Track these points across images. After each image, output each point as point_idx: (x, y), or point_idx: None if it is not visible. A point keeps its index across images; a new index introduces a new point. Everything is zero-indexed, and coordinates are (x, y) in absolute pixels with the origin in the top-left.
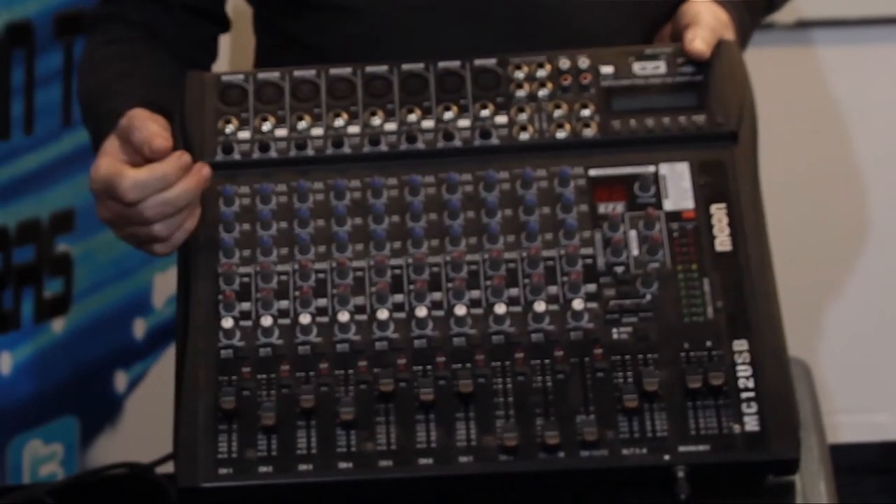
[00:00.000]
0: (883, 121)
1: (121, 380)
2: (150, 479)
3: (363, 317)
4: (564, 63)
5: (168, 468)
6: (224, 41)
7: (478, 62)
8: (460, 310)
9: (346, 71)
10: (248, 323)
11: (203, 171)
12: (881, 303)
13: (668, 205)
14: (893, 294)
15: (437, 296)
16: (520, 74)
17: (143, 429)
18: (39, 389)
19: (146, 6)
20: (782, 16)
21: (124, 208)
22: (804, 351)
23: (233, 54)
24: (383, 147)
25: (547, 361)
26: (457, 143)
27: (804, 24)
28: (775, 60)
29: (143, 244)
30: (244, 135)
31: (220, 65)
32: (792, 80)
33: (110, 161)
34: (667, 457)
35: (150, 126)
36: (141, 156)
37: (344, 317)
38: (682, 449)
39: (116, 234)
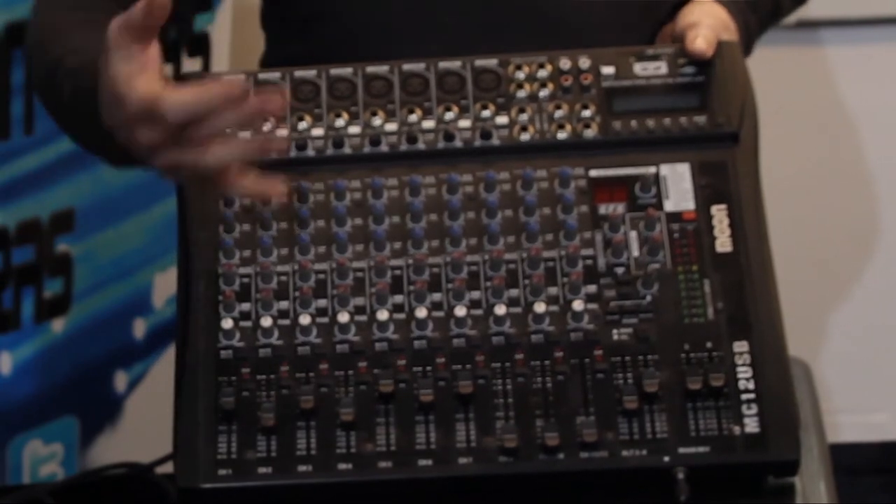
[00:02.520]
0: (886, 121)
1: (121, 380)
2: (150, 479)
3: (363, 317)
4: (565, 63)
5: (168, 468)
6: (224, 41)
7: (478, 62)
8: (460, 311)
9: (346, 71)
10: (248, 323)
11: (273, 101)
12: (881, 302)
13: (669, 205)
14: (894, 294)
15: (437, 296)
16: (520, 75)
17: (143, 429)
18: (39, 389)
19: None
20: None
21: (167, 132)
22: (804, 351)
23: (233, 54)
24: (384, 147)
25: (547, 362)
26: (457, 143)
27: (806, 24)
28: (777, 60)
29: (186, 171)
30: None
31: (220, 65)
32: (794, 80)
33: (146, 81)
34: (666, 458)
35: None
36: (147, 29)
37: (344, 317)
38: (681, 450)
39: (154, 163)
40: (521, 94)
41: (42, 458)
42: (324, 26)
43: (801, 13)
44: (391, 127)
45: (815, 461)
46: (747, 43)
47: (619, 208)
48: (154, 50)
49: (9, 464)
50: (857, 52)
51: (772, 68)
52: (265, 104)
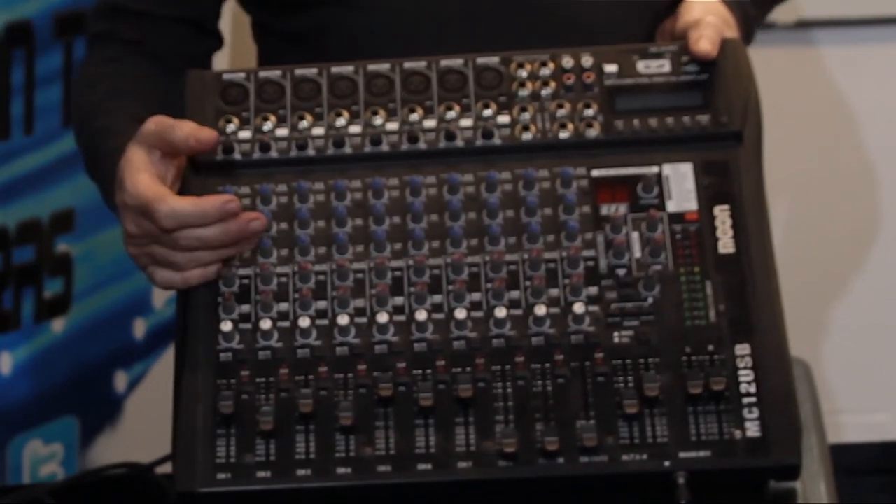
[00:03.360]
0: (884, 121)
1: (121, 380)
2: (150, 479)
3: (363, 319)
4: (568, 62)
5: (168, 468)
6: (224, 43)
7: (480, 60)
8: (460, 313)
9: (347, 69)
10: (248, 326)
11: (252, 223)
12: (882, 302)
13: (671, 206)
14: (894, 294)
15: (437, 298)
16: (522, 73)
17: (143, 429)
18: (39, 389)
19: (140, 23)
20: (783, 16)
21: (154, 228)
22: (805, 350)
23: (233, 57)
24: (385, 147)
25: (547, 365)
26: (459, 142)
27: (805, 24)
28: (776, 60)
29: (153, 266)
30: (245, 134)
31: (220, 64)
32: (793, 80)
33: (151, 179)
34: (667, 463)
35: (188, 123)
36: (181, 152)
37: (343, 319)
38: (682, 455)
39: (130, 249)
40: (524, 92)
41: (42, 458)
42: (323, 40)
43: (799, 13)
44: (392, 126)
45: (815, 461)
46: (747, 35)
47: (621, 209)
48: (175, 163)
49: (9, 464)
50: (855, 52)
51: (770, 68)
52: (250, 223)
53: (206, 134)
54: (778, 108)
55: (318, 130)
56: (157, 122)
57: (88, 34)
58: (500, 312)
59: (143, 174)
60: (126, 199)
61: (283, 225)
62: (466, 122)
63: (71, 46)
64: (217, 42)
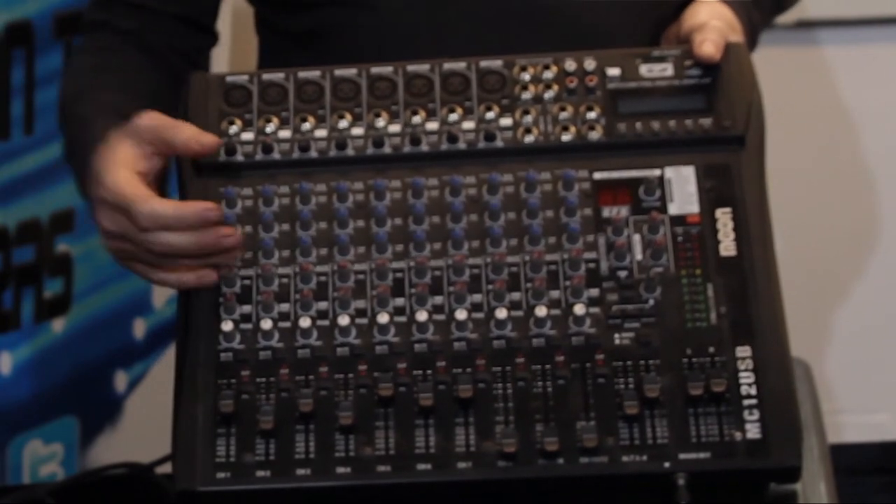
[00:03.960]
0: (885, 121)
1: (121, 380)
2: (150, 479)
3: (364, 320)
4: (570, 65)
5: (168, 468)
6: (224, 43)
7: (483, 63)
8: (461, 314)
9: (350, 72)
10: (249, 326)
11: (226, 239)
12: (882, 303)
13: (673, 209)
14: (894, 294)
15: (438, 300)
16: (525, 76)
17: (143, 429)
18: (39, 389)
19: (136, 15)
20: (784, 15)
21: (130, 226)
22: (805, 351)
23: (233, 56)
24: (387, 149)
25: (548, 367)
26: (461, 145)
27: (806, 24)
28: (776, 60)
29: (128, 261)
30: (247, 136)
31: (220, 67)
32: (793, 80)
33: (131, 176)
34: (667, 464)
35: (190, 126)
36: (179, 153)
37: (344, 320)
38: (682, 456)
39: (105, 242)
40: (526, 95)
41: (42, 458)
42: (326, 39)
43: (801, 13)
44: (395, 128)
45: (815, 462)
46: (752, 41)
47: (623, 211)
48: (162, 163)
49: (9, 464)
50: (856, 52)
51: (771, 68)
52: (224, 238)
53: (209, 139)
54: (779, 109)
55: (321, 132)
56: (155, 119)
57: (83, 23)
58: (501, 314)
59: (123, 171)
60: (104, 194)
61: (285, 226)
62: (469, 124)
63: (71, 46)
64: (212, 40)
